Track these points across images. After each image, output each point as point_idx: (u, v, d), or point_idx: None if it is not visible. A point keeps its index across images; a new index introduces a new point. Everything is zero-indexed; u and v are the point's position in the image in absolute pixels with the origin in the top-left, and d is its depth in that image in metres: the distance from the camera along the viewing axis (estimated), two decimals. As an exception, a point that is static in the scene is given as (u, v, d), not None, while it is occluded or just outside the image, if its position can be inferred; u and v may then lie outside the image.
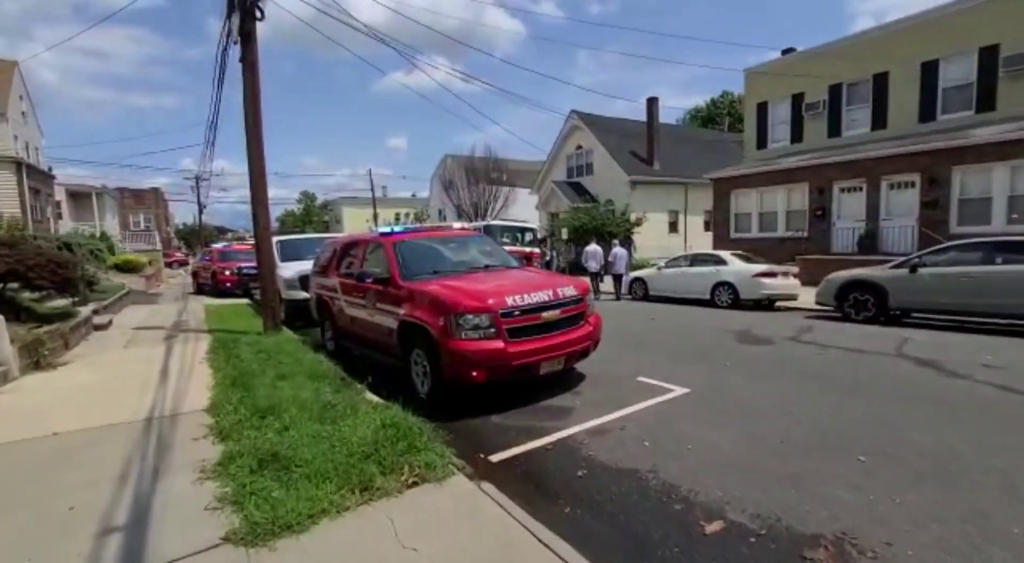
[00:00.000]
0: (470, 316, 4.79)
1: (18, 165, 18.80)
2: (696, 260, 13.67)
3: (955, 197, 13.85)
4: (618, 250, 16.01)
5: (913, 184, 14.67)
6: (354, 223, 56.79)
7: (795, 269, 12.68)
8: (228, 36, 8.78)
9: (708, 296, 12.79)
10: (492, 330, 4.82)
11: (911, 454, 3.57)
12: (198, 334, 9.29)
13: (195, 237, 57.57)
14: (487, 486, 3.28)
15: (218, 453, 3.70)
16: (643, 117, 28.58)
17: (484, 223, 20.60)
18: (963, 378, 5.40)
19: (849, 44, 17.25)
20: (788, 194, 17.81)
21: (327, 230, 60.92)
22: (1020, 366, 5.89)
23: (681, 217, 28.78)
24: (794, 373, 5.87)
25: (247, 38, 8.40)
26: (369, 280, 5.90)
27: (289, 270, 11.31)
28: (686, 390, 5.29)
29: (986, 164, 13.21)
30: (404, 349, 5.56)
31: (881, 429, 4.06)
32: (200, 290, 19.41)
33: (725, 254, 13.17)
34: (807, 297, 11.76)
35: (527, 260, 20.12)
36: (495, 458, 3.90)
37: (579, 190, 29.01)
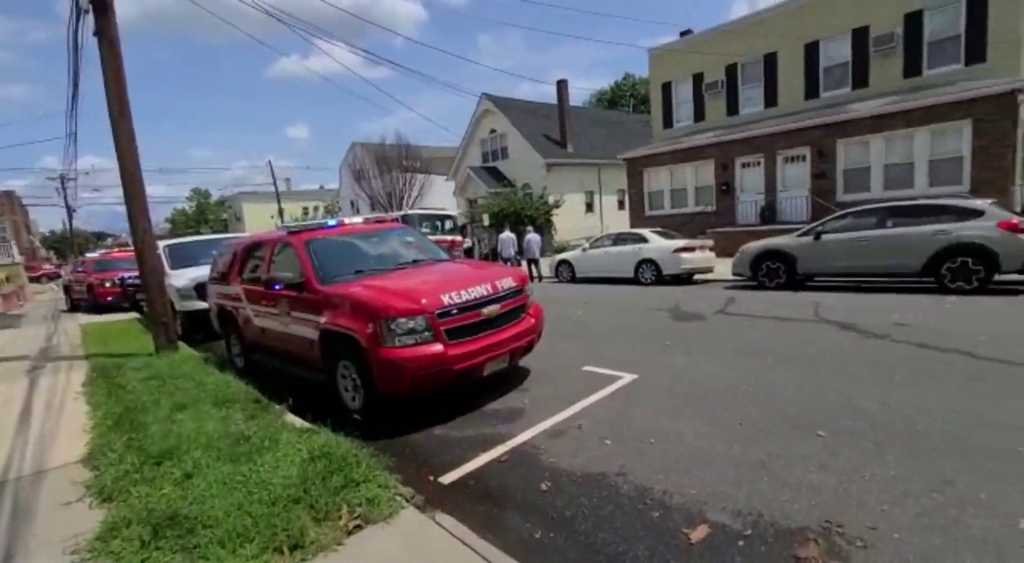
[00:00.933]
0: (403, 320, 4.27)
1: None
2: (619, 239, 13.86)
3: (840, 168, 15.14)
4: (530, 236, 16.73)
5: (804, 157, 15.84)
6: (257, 220, 52.54)
7: (711, 242, 13.24)
8: (77, 5, 7.33)
9: (632, 274, 13.03)
10: (429, 333, 4.34)
11: (865, 424, 3.61)
12: (72, 362, 7.87)
13: (67, 245, 50.52)
14: (443, 518, 2.86)
15: (97, 522, 2.94)
16: (554, 100, 28.70)
17: (402, 213, 19.67)
18: (883, 338, 5.74)
19: (741, 25, 18.18)
20: (696, 171, 18.63)
21: (226, 229, 55.89)
22: (925, 322, 6.39)
23: (596, 198, 29.43)
24: (733, 348, 5.95)
25: (101, 7, 7.04)
26: (279, 287, 5.14)
27: (182, 278, 9.98)
28: (634, 376, 5.14)
29: (864, 137, 14.52)
30: (329, 362, 4.91)
31: (830, 399, 4.11)
32: (75, 307, 16.89)
33: (646, 232, 13.46)
34: (722, 269, 12.34)
35: (449, 250, 19.60)
36: (447, 479, 3.46)
37: (496, 175, 28.68)
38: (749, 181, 17.30)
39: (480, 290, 4.71)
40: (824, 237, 9.49)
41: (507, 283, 5.00)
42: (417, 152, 31.30)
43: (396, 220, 19.84)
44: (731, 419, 3.91)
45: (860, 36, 15.49)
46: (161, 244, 11.51)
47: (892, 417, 3.69)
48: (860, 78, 15.78)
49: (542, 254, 17.10)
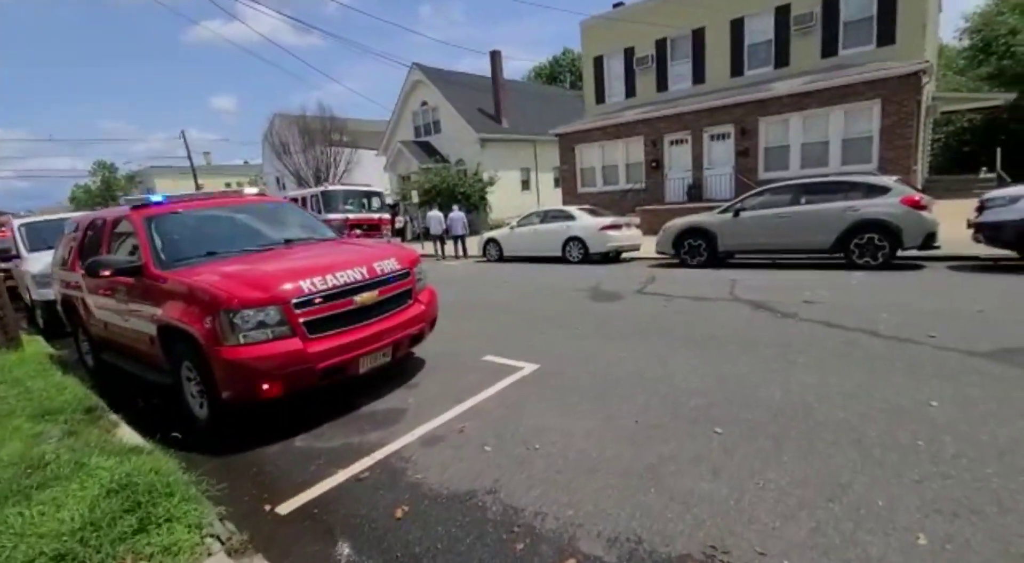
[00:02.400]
0: (250, 311, 3.54)
1: None
2: (547, 217, 13.43)
3: (762, 146, 15.38)
4: (454, 214, 16.77)
5: (729, 135, 15.98)
6: (171, 197, 48.24)
7: (637, 220, 13.07)
8: None
9: (560, 253, 12.67)
10: (285, 327, 3.64)
11: (765, 416, 3.31)
12: None
13: None
14: (260, 565, 2.25)
15: None
16: (488, 73, 27.65)
17: (321, 189, 18.32)
18: (792, 317, 5.59)
19: (671, -1, 17.97)
20: (627, 147, 18.47)
21: (135, 207, 50.97)
22: (833, 299, 6.35)
23: (532, 175, 28.92)
24: (646, 330, 5.62)
25: None
26: (107, 272, 4.22)
27: (38, 263, 8.58)
28: (536, 366, 4.68)
29: (784, 114, 14.77)
30: (172, 362, 4.10)
31: (733, 389, 3.81)
32: None
33: (573, 209, 13.09)
34: (649, 246, 12.21)
35: (375, 228, 18.50)
36: (286, 508, 2.84)
37: (428, 150, 27.46)
38: (678, 158, 17.33)
39: (352, 274, 4.03)
40: (743, 214, 9.45)
41: (388, 266, 4.35)
42: (342, 124, 29.38)
43: (316, 196, 18.51)
44: (628, 415, 3.51)
45: (782, 14, 15.64)
46: (15, 223, 9.91)
47: (794, 407, 3.41)
48: (782, 57, 16.01)
49: (477, 232, 16.81)
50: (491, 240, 14.39)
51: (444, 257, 16.68)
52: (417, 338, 4.55)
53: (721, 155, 16.29)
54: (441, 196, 22.74)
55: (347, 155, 28.65)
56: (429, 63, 28.94)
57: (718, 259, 9.92)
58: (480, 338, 5.80)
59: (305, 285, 3.76)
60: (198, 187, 42.56)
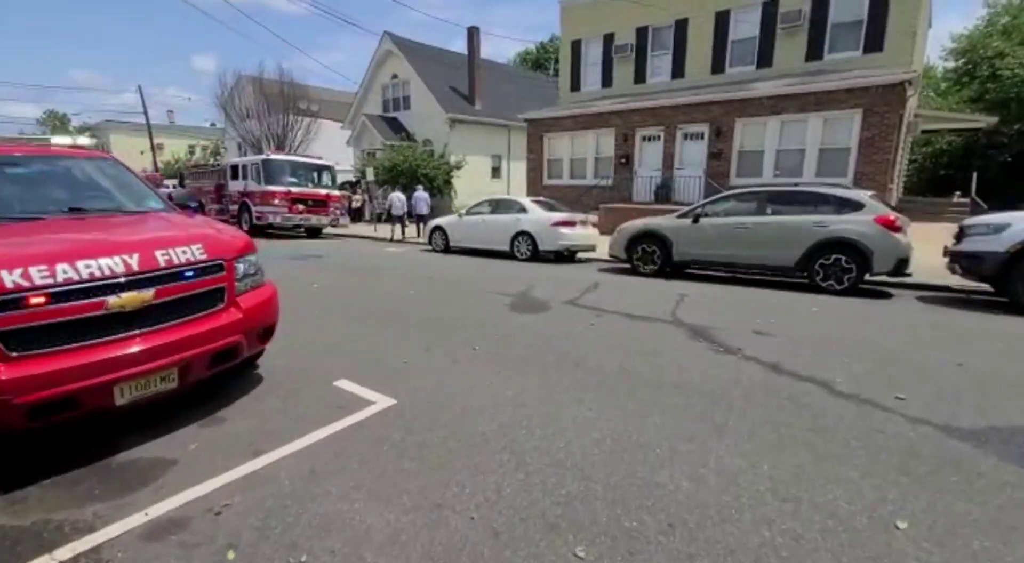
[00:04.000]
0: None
1: None
2: (499, 207, 12.25)
3: (736, 149, 14.47)
4: (419, 194, 16.69)
5: (703, 135, 15.02)
6: (128, 156, 45.31)
7: (594, 218, 12.00)
8: None
9: (508, 247, 11.54)
10: (-33, 339, 2.39)
11: (655, 527, 2.22)
12: None
13: None
14: None
15: None
16: (465, 50, 26.10)
17: (263, 157, 16.67)
18: (733, 354, 4.55)
19: (656, -16, 16.80)
20: (597, 140, 17.38)
21: (86, 163, 47.66)
22: (788, 331, 5.37)
23: (504, 162, 27.60)
24: (552, 358, 4.52)
25: None
26: None
27: None
28: (390, 402, 3.52)
29: (762, 117, 13.86)
30: None
31: (626, 468, 2.72)
32: None
33: (526, 201, 11.95)
34: (606, 247, 11.15)
35: (321, 205, 16.97)
36: None
37: (395, 126, 25.87)
38: (649, 156, 16.33)
39: (109, 264, 2.79)
40: (702, 220, 8.43)
41: (184, 255, 3.11)
42: (304, 90, 27.46)
43: (256, 166, 16.79)
44: (466, 506, 2.39)
45: (769, 9, 14.66)
46: None
47: (702, 510, 2.34)
48: (765, 56, 15.07)
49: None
50: (437, 228, 13.14)
51: (394, 240, 16.16)
52: (224, 355, 3.33)
53: (694, 156, 15.34)
54: (403, 176, 21.31)
55: (306, 125, 26.76)
56: (415, 37, 27.14)
57: (674, 268, 8.92)
58: (350, 352, 4.61)
59: (10, 277, 2.51)
60: (153, 147, 39.96)
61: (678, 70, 16.69)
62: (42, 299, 2.58)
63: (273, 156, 17.06)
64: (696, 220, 8.46)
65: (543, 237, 11.00)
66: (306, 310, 6.09)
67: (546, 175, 18.85)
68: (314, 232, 17.77)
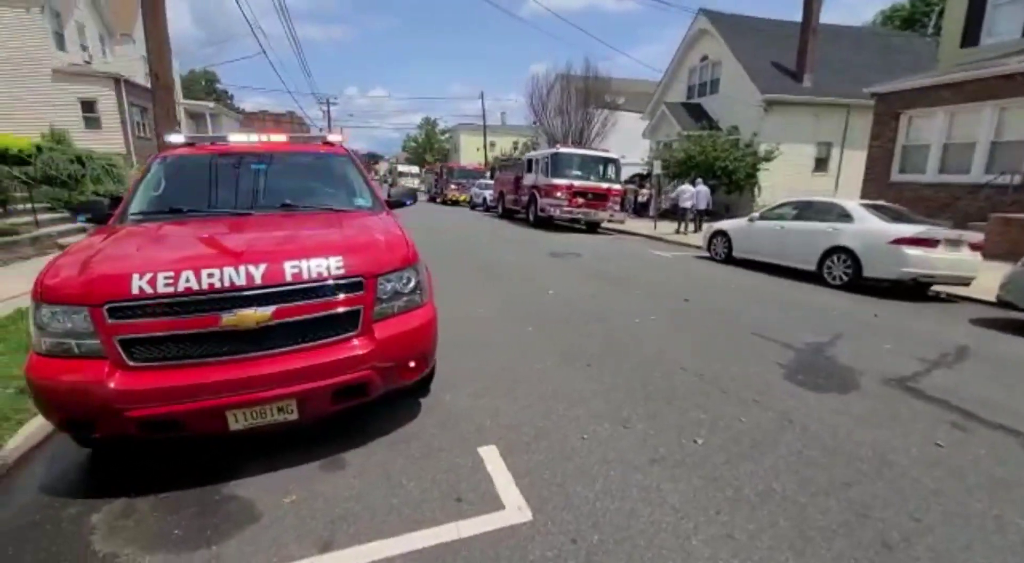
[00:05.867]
0: (53, 309, 2.36)
1: (117, 82, 19.75)
2: (808, 210, 9.22)
3: None
4: (701, 187, 16.01)
5: None
6: (469, 152, 55.51)
7: (977, 236, 7.80)
8: None
9: (815, 267, 8.58)
10: (93, 341, 2.34)
11: None
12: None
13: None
14: None
15: None
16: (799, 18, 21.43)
17: (552, 151, 17.17)
18: None
19: None
20: (999, 116, 11.60)
21: (446, 159, 60.59)
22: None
23: (835, 151, 21.97)
24: (814, 487, 2.49)
25: None
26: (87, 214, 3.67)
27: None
28: (524, 516, 2.33)
29: None
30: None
31: None
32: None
33: (851, 204, 8.60)
34: (990, 282, 7.05)
35: (601, 198, 16.52)
36: None
37: (696, 114, 23.46)
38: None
39: (229, 274, 2.45)
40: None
41: (313, 268, 2.60)
42: (606, 84, 27.51)
43: (546, 159, 17.36)
44: None
45: None
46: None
47: None
48: None
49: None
50: (718, 232, 10.86)
51: (679, 232, 16.10)
52: (350, 391, 2.72)
53: None
54: (698, 169, 19.09)
55: (602, 118, 26.88)
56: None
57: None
58: (527, 401, 3.57)
59: (138, 282, 2.36)
60: (485, 144, 47.64)
61: None
62: (160, 308, 2.37)
63: (562, 149, 17.41)
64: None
65: (872, 257, 7.69)
66: (519, 326, 5.28)
67: (896, 168, 13.78)
68: (592, 226, 17.56)
